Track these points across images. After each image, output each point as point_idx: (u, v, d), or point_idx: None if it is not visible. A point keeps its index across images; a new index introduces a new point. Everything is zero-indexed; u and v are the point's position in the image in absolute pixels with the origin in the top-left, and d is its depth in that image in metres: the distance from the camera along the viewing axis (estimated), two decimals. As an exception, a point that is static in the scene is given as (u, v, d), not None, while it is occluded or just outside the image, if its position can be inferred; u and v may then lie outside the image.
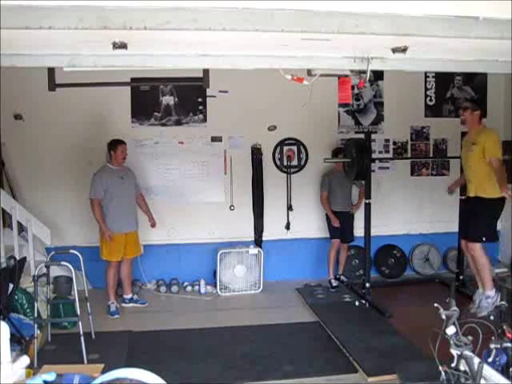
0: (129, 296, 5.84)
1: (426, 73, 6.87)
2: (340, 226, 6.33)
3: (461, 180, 5.72)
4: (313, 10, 2.25)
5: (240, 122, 6.57)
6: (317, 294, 6.13)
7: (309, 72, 3.65)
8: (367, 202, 5.83)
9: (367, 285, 5.76)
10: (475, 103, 5.40)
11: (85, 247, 5.72)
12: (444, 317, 2.59)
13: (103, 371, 2.35)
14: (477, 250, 5.01)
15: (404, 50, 2.96)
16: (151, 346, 4.60)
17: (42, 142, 6.24)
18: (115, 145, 5.57)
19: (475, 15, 2.29)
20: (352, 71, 3.76)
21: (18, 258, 4.69)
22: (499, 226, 7.24)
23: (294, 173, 6.79)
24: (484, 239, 5.05)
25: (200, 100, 6.55)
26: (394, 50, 2.99)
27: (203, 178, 6.65)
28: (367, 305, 5.65)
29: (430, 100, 7.06)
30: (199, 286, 6.36)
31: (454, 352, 2.52)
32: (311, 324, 5.23)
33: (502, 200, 4.96)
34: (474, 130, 5.11)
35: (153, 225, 5.91)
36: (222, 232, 6.61)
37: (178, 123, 6.57)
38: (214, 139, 6.57)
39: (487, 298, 4.90)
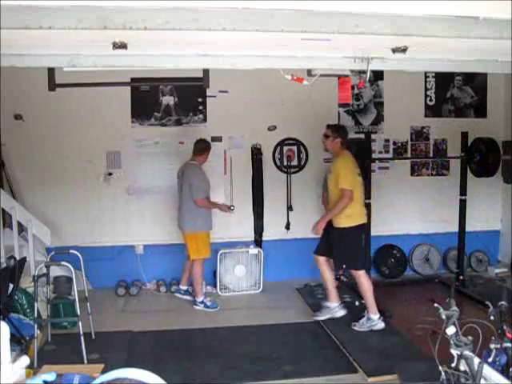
0: (184, 287, 6.06)
1: (425, 73, 6.86)
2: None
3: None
4: (313, 10, 2.24)
5: (240, 122, 6.57)
6: (317, 294, 6.12)
7: (309, 72, 3.66)
8: (367, 202, 5.82)
9: (367, 285, 5.75)
10: (337, 130, 5.05)
11: (85, 247, 5.71)
12: (444, 317, 2.59)
13: (103, 371, 2.35)
14: (359, 275, 5.01)
15: (404, 50, 2.96)
16: (151, 346, 4.60)
17: (42, 142, 6.24)
18: (209, 147, 5.82)
19: (475, 15, 2.29)
20: (352, 71, 3.77)
21: (18, 258, 4.69)
22: (499, 226, 7.30)
23: (293, 173, 6.79)
24: (344, 266, 5.14)
25: (200, 100, 6.55)
26: (394, 50, 2.99)
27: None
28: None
29: (430, 100, 7.06)
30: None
31: (454, 352, 2.52)
32: (311, 324, 5.23)
33: (359, 228, 4.99)
34: (334, 158, 5.06)
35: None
36: (222, 232, 6.60)
37: (178, 123, 6.56)
38: (214, 139, 6.56)
39: (369, 320, 4.93)
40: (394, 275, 6.91)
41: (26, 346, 4.14)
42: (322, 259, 5.15)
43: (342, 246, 4.96)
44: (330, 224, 5.02)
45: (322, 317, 5.17)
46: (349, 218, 4.90)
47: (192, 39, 2.74)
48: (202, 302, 5.73)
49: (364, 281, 5.03)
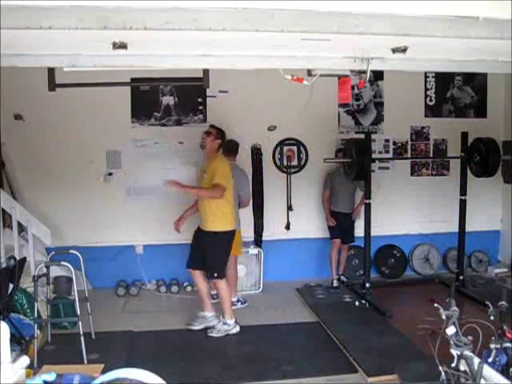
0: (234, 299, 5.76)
1: (425, 73, 6.86)
2: (340, 227, 6.34)
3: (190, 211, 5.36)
4: (313, 10, 2.24)
5: (240, 122, 6.57)
6: (317, 294, 6.13)
7: (309, 72, 3.65)
8: (367, 202, 5.84)
9: (367, 285, 5.76)
10: (220, 132, 5.05)
11: (85, 247, 5.70)
12: (444, 317, 2.59)
13: (103, 371, 2.36)
14: (219, 282, 4.91)
15: (404, 50, 2.96)
16: (151, 346, 4.60)
17: (42, 142, 6.24)
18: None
19: (475, 15, 2.29)
20: (352, 71, 3.76)
21: (18, 258, 4.69)
22: (499, 226, 7.29)
23: (293, 173, 6.79)
24: (216, 275, 4.89)
25: (200, 100, 6.55)
26: (394, 50, 2.99)
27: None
28: (367, 305, 5.65)
29: (430, 100, 7.06)
30: (199, 286, 6.36)
31: (454, 352, 2.51)
32: (311, 324, 5.24)
33: (230, 234, 4.95)
34: (209, 159, 4.98)
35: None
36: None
37: (178, 123, 6.56)
38: (214, 139, 6.56)
39: (225, 324, 4.90)
40: (394, 275, 6.92)
41: (26, 346, 4.14)
42: (197, 273, 5.03)
43: (214, 251, 4.88)
44: (200, 233, 4.99)
45: (196, 327, 5.03)
46: (220, 221, 4.87)
47: (192, 39, 2.74)
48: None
49: (225, 287, 4.95)
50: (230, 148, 5.79)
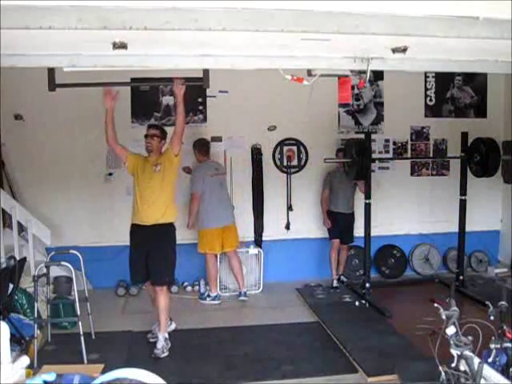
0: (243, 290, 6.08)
1: (425, 73, 6.86)
2: (339, 228, 6.34)
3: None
4: (313, 10, 2.24)
5: (240, 122, 6.57)
6: (317, 294, 6.13)
7: (309, 72, 3.65)
8: (367, 202, 5.83)
9: (367, 285, 5.76)
10: (163, 132, 4.80)
11: (85, 247, 5.71)
12: (444, 317, 2.59)
13: (103, 371, 2.36)
14: (162, 289, 4.57)
15: (404, 50, 2.96)
16: (151, 346, 4.59)
17: (42, 141, 6.24)
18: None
19: (475, 15, 2.29)
20: (352, 71, 3.76)
21: (18, 258, 4.69)
22: (499, 226, 7.30)
23: (293, 173, 6.79)
24: (167, 280, 4.62)
25: (200, 100, 6.55)
26: (394, 50, 2.98)
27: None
28: (367, 305, 5.65)
29: (430, 100, 7.06)
30: (199, 285, 6.37)
31: (454, 352, 2.52)
32: (311, 324, 5.24)
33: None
34: (156, 155, 4.70)
35: None
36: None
37: (178, 123, 6.55)
38: (214, 139, 6.57)
39: (166, 339, 4.53)
40: (394, 275, 6.92)
41: (26, 346, 4.14)
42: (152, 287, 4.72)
43: (170, 248, 4.63)
44: (153, 240, 4.54)
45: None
46: (174, 213, 4.72)
47: (192, 39, 2.74)
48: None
49: (166, 297, 4.62)
50: (200, 147, 6.03)
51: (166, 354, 4.44)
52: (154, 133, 4.74)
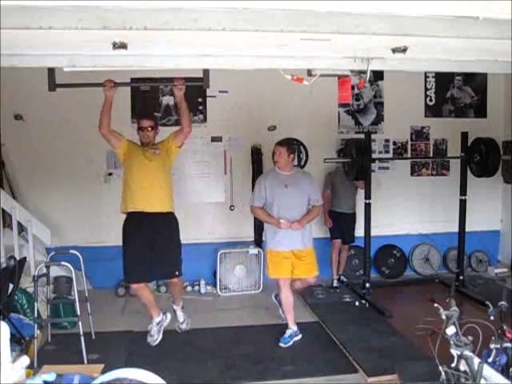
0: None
1: (425, 73, 6.87)
2: (341, 228, 6.34)
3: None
4: (313, 10, 2.24)
5: (240, 122, 6.57)
6: (317, 294, 6.12)
7: (309, 72, 3.65)
8: (367, 202, 5.83)
9: (367, 285, 5.76)
10: (156, 123, 4.78)
11: (85, 247, 5.70)
12: (444, 317, 2.59)
13: (103, 371, 2.35)
14: (180, 280, 4.55)
15: (404, 50, 2.96)
16: (151, 346, 4.60)
17: (42, 142, 6.24)
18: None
19: (475, 15, 2.28)
20: (352, 71, 3.76)
21: (18, 258, 4.69)
22: (499, 226, 7.30)
23: (294, 173, 6.77)
24: (181, 268, 4.46)
25: (200, 100, 6.55)
26: (394, 50, 2.98)
27: (203, 178, 6.64)
28: (367, 305, 5.65)
29: (430, 100, 7.06)
30: (199, 286, 6.37)
31: (454, 352, 2.51)
32: (311, 324, 5.23)
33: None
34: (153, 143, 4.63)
35: None
36: (222, 232, 6.60)
37: (179, 123, 6.51)
38: (214, 139, 6.57)
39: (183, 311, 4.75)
40: (394, 275, 6.92)
41: (26, 346, 4.14)
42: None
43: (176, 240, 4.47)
44: (152, 239, 4.33)
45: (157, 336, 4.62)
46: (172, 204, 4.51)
47: (192, 39, 2.74)
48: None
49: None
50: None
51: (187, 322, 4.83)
52: (150, 124, 4.60)
